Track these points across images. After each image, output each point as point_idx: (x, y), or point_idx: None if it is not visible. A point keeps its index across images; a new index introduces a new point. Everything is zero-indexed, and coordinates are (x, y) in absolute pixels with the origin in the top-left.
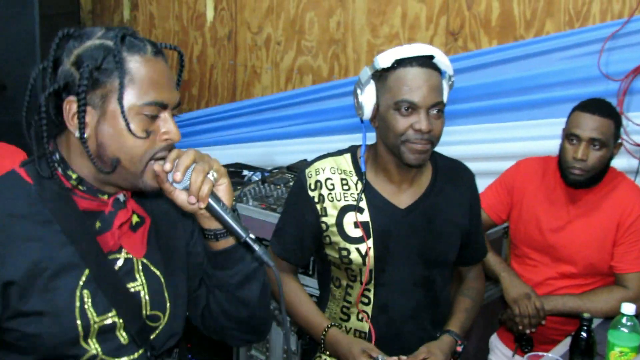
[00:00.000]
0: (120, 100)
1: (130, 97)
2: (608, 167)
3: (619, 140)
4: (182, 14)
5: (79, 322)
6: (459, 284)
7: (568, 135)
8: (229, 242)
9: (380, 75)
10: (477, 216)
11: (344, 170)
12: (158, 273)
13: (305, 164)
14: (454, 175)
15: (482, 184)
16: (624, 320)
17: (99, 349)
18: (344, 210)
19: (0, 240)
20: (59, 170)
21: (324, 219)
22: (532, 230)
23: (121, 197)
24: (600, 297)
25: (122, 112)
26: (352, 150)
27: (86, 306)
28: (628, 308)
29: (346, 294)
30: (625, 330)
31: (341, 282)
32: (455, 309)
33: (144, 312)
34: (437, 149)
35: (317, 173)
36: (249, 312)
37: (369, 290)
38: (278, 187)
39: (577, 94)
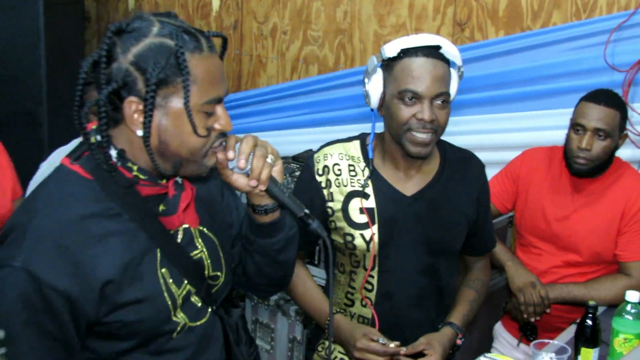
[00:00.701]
0: (186, 103)
1: (193, 97)
2: (613, 157)
3: (625, 131)
4: (187, 3)
5: (168, 299)
6: (465, 274)
7: (574, 125)
8: (276, 215)
9: (387, 65)
10: (485, 207)
11: (352, 157)
12: (211, 235)
13: (313, 151)
14: (462, 165)
15: (488, 174)
16: (628, 307)
17: (186, 318)
18: (350, 196)
19: (82, 243)
20: (119, 164)
21: (330, 204)
22: (537, 220)
23: (179, 179)
24: (604, 285)
25: (189, 115)
26: (362, 137)
27: (168, 283)
28: (632, 296)
29: (350, 280)
30: (630, 318)
31: (345, 268)
32: (458, 300)
33: (207, 274)
34: (443, 138)
35: (325, 158)
36: (284, 272)
37: (372, 276)
38: (284, 176)
39: (583, 84)
